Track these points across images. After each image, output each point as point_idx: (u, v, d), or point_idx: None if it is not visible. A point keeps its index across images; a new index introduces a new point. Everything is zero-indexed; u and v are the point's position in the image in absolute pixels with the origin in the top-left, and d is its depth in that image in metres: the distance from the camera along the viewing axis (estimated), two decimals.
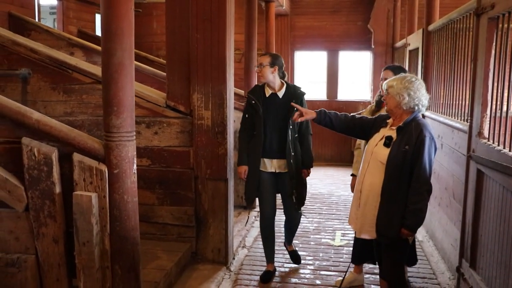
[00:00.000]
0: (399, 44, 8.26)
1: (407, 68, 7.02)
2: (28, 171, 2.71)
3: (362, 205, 3.28)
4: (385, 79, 3.81)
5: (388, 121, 3.30)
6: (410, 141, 3.04)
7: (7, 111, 2.75)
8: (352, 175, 4.17)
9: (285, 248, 4.64)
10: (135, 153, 2.71)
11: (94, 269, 2.65)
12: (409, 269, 4.38)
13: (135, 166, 2.72)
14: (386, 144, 3.14)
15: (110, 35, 2.54)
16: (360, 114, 4.06)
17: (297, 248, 4.70)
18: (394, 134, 3.15)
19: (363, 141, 3.99)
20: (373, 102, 4.30)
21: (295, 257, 4.53)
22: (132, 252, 2.74)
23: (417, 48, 6.14)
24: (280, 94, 4.09)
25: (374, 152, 3.21)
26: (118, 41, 2.54)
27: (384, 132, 3.24)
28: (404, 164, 3.04)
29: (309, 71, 10.19)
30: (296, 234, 4.69)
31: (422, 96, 3.14)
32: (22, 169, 2.74)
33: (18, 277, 2.82)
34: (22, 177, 2.75)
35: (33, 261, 2.82)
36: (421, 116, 3.22)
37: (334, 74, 9.70)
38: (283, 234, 4.60)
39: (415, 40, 6.45)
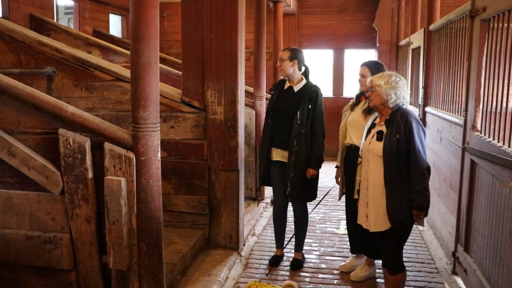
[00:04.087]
0: (402, 42, 8.50)
1: (409, 66, 7.30)
2: (64, 159, 3.03)
3: (370, 200, 3.43)
4: (362, 75, 4.03)
5: (375, 122, 3.52)
6: (399, 130, 3.23)
7: (45, 105, 3.07)
8: (336, 167, 4.34)
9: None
10: (159, 142, 3.02)
11: (123, 245, 2.95)
12: (408, 254, 4.69)
13: (159, 154, 3.03)
14: (378, 139, 3.34)
15: (138, 37, 2.84)
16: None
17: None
18: (383, 128, 3.35)
19: (341, 134, 4.22)
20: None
21: (295, 264, 4.45)
22: (156, 231, 3.05)
23: (419, 47, 6.40)
24: (296, 88, 4.28)
25: (370, 149, 3.40)
26: (145, 43, 2.85)
27: (375, 130, 3.44)
28: (399, 152, 3.23)
29: (315, 69, 10.42)
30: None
31: (406, 94, 3.36)
32: (58, 157, 3.05)
33: (54, 253, 3.14)
34: (58, 164, 3.06)
35: (68, 239, 3.13)
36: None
37: (340, 72, 9.95)
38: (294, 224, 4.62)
39: (417, 39, 6.71)
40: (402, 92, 3.33)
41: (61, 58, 4.71)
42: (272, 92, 4.36)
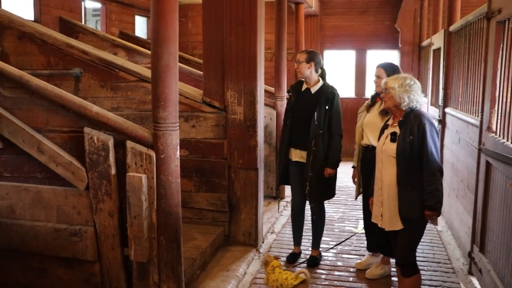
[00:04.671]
0: (424, 43, 8.47)
1: (430, 67, 7.29)
2: (88, 156, 3.20)
3: (385, 200, 3.47)
4: (378, 76, 4.09)
5: (388, 123, 3.56)
6: (412, 131, 3.27)
7: (72, 105, 3.24)
8: (353, 167, 4.43)
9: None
10: (178, 141, 3.16)
11: (143, 239, 3.11)
12: (425, 254, 4.73)
13: (178, 152, 3.17)
14: (392, 140, 3.39)
15: (159, 41, 2.99)
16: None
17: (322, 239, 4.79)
18: (397, 130, 3.39)
19: (357, 135, 4.28)
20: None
21: (312, 261, 4.53)
22: (175, 225, 3.19)
23: (440, 48, 6.41)
24: (313, 90, 4.38)
25: (384, 150, 3.46)
26: (165, 46, 2.99)
27: (388, 131, 3.49)
28: (412, 153, 3.27)
29: (337, 70, 10.46)
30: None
31: (419, 97, 3.40)
32: (83, 154, 3.22)
33: (79, 245, 3.31)
34: (83, 160, 3.23)
35: (92, 232, 3.30)
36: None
37: (362, 73, 9.97)
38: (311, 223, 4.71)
39: (438, 40, 6.70)
40: (415, 95, 3.36)
41: (88, 60, 4.89)
42: (290, 94, 4.46)
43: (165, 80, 3.01)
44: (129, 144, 3.12)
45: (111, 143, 3.16)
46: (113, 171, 3.18)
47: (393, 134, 3.40)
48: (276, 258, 3.99)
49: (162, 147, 3.07)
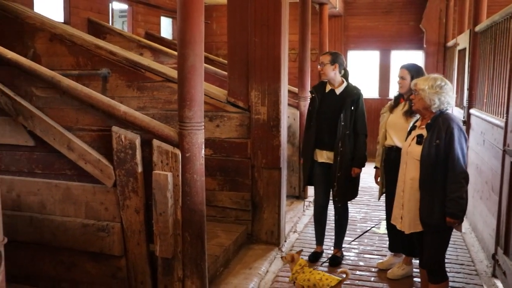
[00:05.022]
0: (450, 43, 8.40)
1: (456, 68, 7.23)
2: (116, 154, 3.30)
3: (406, 202, 3.44)
4: (402, 77, 4.07)
5: (416, 124, 3.51)
6: (440, 136, 3.19)
7: (100, 105, 3.35)
8: (375, 167, 4.42)
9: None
10: (203, 140, 3.23)
11: (168, 235, 3.19)
12: (448, 256, 4.69)
13: (203, 151, 3.24)
14: (418, 142, 3.32)
15: (185, 43, 3.07)
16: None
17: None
18: (424, 132, 3.31)
19: (381, 135, 4.27)
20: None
21: (334, 260, 4.55)
22: (199, 222, 3.27)
23: (465, 48, 6.35)
24: (338, 91, 4.41)
25: (409, 151, 3.41)
26: (191, 47, 3.07)
27: (415, 132, 3.43)
28: (438, 158, 3.20)
29: (361, 70, 10.44)
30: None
31: (450, 99, 3.29)
32: (111, 152, 3.32)
33: (107, 240, 3.42)
34: (111, 158, 3.33)
35: (119, 228, 3.40)
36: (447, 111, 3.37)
37: (386, 73, 9.92)
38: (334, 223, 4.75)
39: (463, 41, 6.65)
40: (446, 97, 3.27)
41: (115, 60, 5.01)
42: (313, 95, 4.49)
43: (191, 80, 3.09)
44: (156, 142, 3.21)
45: (138, 141, 3.25)
46: (139, 169, 3.27)
47: (420, 137, 3.34)
48: (298, 253, 3.92)
49: (188, 146, 3.15)
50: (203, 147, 3.24)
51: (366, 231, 4.90)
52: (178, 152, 3.16)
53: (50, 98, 3.53)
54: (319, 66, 4.45)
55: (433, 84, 3.27)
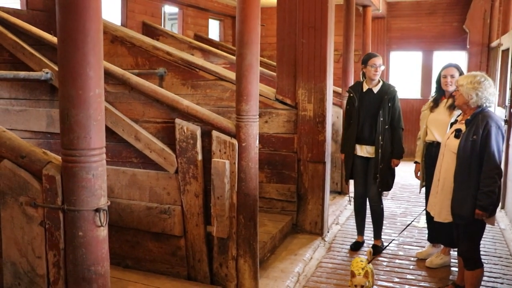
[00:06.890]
0: (494, 44, 8.43)
1: (499, 68, 7.30)
2: (179, 143, 3.66)
3: (439, 191, 3.62)
4: (452, 76, 4.24)
5: (457, 118, 3.70)
6: (477, 132, 3.33)
7: (165, 99, 3.72)
8: (415, 162, 4.64)
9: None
10: (258, 131, 3.57)
11: (225, 217, 3.53)
12: (486, 249, 4.85)
13: (257, 141, 3.57)
14: (456, 136, 3.50)
15: (243, 44, 3.41)
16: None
17: (384, 227, 5.08)
18: (463, 127, 3.49)
19: (422, 132, 4.45)
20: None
21: (374, 249, 4.69)
22: (253, 206, 3.59)
23: (508, 49, 6.43)
24: (375, 89, 4.70)
25: (447, 144, 3.61)
26: (248, 48, 3.42)
27: (455, 127, 3.61)
28: (473, 152, 3.34)
29: (403, 71, 10.55)
30: (384, 216, 4.99)
31: (489, 95, 3.41)
32: (174, 142, 3.68)
33: (168, 222, 3.78)
34: (174, 148, 3.69)
35: (179, 211, 3.75)
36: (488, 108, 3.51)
37: (428, 74, 9.97)
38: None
39: (507, 41, 6.71)
40: (484, 93, 3.38)
41: (171, 60, 5.38)
42: (351, 94, 4.77)
43: (248, 77, 3.43)
44: (215, 133, 3.56)
45: (198, 132, 3.60)
46: (199, 157, 3.62)
47: (458, 131, 3.51)
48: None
49: (244, 136, 3.49)
50: (258, 137, 3.57)
51: (407, 226, 5.10)
52: (235, 142, 3.50)
53: (120, 93, 3.93)
54: (373, 68, 4.59)
55: (472, 80, 3.44)
